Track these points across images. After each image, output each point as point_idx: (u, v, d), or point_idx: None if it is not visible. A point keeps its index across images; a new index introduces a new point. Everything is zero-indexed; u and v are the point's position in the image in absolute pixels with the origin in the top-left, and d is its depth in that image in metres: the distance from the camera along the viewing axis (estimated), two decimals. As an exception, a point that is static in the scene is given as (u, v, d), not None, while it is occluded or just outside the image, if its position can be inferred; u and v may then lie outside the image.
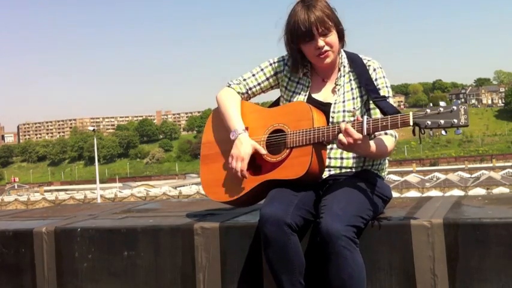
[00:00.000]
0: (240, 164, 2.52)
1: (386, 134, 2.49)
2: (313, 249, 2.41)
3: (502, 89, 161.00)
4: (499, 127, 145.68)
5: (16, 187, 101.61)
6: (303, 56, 2.58)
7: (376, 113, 2.52)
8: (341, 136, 2.30)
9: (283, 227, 2.28)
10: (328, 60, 2.53)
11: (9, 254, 3.07)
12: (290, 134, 2.50)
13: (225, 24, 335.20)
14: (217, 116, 2.80)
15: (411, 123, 2.19)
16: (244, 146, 2.53)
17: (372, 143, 2.39)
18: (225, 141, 2.71)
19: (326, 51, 2.50)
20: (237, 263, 2.63)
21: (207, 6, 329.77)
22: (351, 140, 2.28)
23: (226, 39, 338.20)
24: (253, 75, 2.75)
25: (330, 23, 2.48)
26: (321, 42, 2.48)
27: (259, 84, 2.74)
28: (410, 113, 2.20)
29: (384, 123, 2.26)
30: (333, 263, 2.20)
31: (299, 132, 2.47)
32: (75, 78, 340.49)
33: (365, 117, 2.31)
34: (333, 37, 2.50)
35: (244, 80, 2.75)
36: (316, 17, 2.45)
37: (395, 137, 2.56)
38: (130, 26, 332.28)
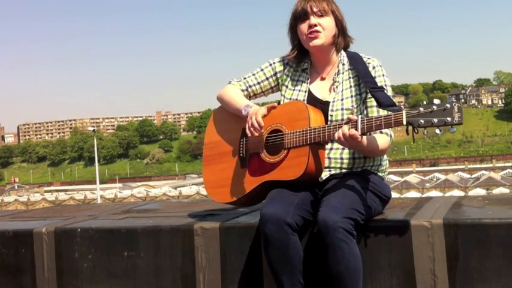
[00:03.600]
0: (254, 119, 2.50)
1: (381, 132, 2.50)
2: (314, 249, 2.41)
3: (502, 90, 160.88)
4: (499, 127, 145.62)
5: (16, 187, 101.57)
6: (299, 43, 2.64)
7: (374, 112, 2.53)
8: (340, 134, 2.30)
9: (284, 226, 2.28)
10: (316, 41, 2.56)
11: (9, 254, 3.07)
12: (287, 134, 2.51)
13: (226, 25, 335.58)
14: (219, 116, 2.81)
15: (404, 123, 2.18)
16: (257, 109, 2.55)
17: (366, 140, 2.39)
18: (227, 142, 2.72)
19: (317, 31, 2.54)
20: (237, 263, 2.64)
21: (207, 8, 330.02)
22: (353, 143, 2.30)
23: (227, 40, 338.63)
24: (253, 74, 2.77)
25: (327, 8, 2.56)
26: (313, 20, 2.54)
27: (259, 83, 2.76)
28: (404, 112, 2.19)
29: (378, 123, 2.26)
30: (330, 255, 2.21)
31: (296, 133, 2.47)
32: (75, 78, 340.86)
33: (359, 116, 2.31)
34: (328, 21, 2.57)
35: (245, 78, 2.78)
36: (315, 0, 2.56)
37: (391, 136, 2.57)
38: (131, 26, 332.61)
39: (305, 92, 2.64)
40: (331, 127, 2.39)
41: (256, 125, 2.50)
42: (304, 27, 2.57)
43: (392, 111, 2.25)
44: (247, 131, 2.54)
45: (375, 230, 2.42)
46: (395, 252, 2.39)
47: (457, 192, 36.08)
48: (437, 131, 2.16)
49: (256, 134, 2.53)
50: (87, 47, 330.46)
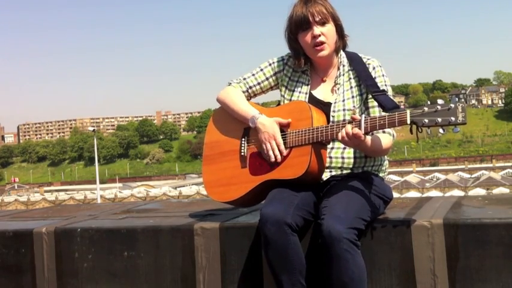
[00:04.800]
0: (274, 143, 2.50)
1: (384, 132, 2.49)
2: (314, 250, 2.41)
3: (502, 90, 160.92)
4: (499, 127, 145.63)
5: (16, 187, 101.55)
6: (302, 50, 2.61)
7: (375, 112, 2.53)
8: (343, 133, 2.30)
9: (284, 227, 2.28)
10: (323, 53, 2.54)
11: (9, 255, 3.07)
12: (289, 133, 2.50)
13: (226, 25, 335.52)
14: (220, 116, 2.80)
15: (408, 122, 2.18)
16: (269, 125, 2.53)
17: (369, 140, 2.39)
18: (228, 141, 2.72)
19: (322, 42, 2.52)
20: (237, 263, 2.63)
21: (207, 7, 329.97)
22: (357, 142, 2.30)
23: (227, 40, 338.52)
24: (253, 74, 2.76)
25: (327, 14, 2.52)
26: (316, 30, 2.51)
27: (259, 83, 2.75)
28: (408, 111, 2.19)
29: (382, 122, 2.26)
30: (334, 266, 2.20)
31: (298, 132, 2.47)
32: (75, 78, 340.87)
33: (363, 115, 2.31)
34: (330, 29, 2.54)
35: (244, 79, 2.77)
36: (314, 6, 2.51)
37: (394, 135, 2.56)
38: (131, 26, 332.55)
39: (306, 93, 2.64)
40: (334, 126, 2.39)
41: (277, 152, 2.49)
42: (307, 38, 2.53)
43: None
44: (265, 153, 2.52)
45: (375, 230, 2.41)
46: (395, 252, 2.39)
47: (457, 192, 36.07)
48: (441, 130, 2.16)
49: (279, 159, 2.51)
50: (87, 47, 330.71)
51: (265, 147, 2.52)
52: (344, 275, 2.19)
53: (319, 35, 2.51)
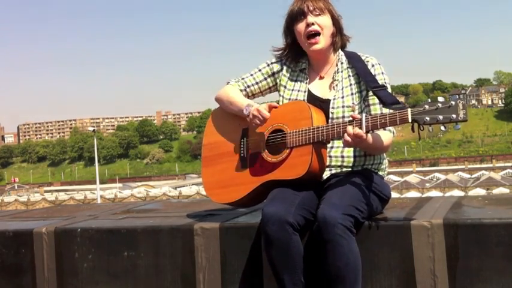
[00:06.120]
0: (257, 112, 2.53)
1: (384, 129, 2.49)
2: (314, 249, 2.41)
3: (502, 90, 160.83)
4: (499, 127, 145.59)
5: (16, 187, 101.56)
6: (298, 46, 2.63)
7: (376, 109, 2.53)
8: (346, 137, 2.30)
9: (285, 226, 2.28)
10: (317, 46, 2.56)
11: (9, 255, 3.07)
12: (289, 134, 2.51)
13: (226, 25, 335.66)
14: (218, 117, 2.81)
15: (410, 120, 2.19)
16: (260, 106, 2.57)
17: (371, 138, 2.39)
18: (226, 142, 2.72)
19: (315, 30, 2.53)
20: (237, 263, 2.63)
21: (207, 8, 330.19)
22: (358, 141, 2.30)
23: (227, 40, 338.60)
24: (251, 74, 2.78)
25: (324, 8, 2.56)
26: (311, 18, 2.54)
27: (257, 83, 2.76)
28: (409, 110, 2.20)
29: (383, 121, 2.26)
30: (329, 251, 2.21)
31: (298, 132, 2.47)
32: (75, 78, 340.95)
33: (363, 114, 2.31)
34: (326, 20, 2.57)
35: (243, 78, 2.79)
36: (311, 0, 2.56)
37: (394, 132, 2.57)
38: (130, 26, 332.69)
39: (304, 91, 2.65)
40: (334, 126, 2.39)
41: (259, 115, 2.52)
42: (301, 26, 2.57)
43: (396, 109, 2.25)
44: (249, 119, 2.55)
45: (375, 230, 2.41)
46: (395, 252, 2.39)
47: (457, 192, 36.04)
48: (443, 128, 2.17)
49: (258, 123, 2.53)
50: (87, 47, 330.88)
51: (253, 124, 2.56)
52: (338, 260, 2.20)
53: (313, 23, 2.53)
